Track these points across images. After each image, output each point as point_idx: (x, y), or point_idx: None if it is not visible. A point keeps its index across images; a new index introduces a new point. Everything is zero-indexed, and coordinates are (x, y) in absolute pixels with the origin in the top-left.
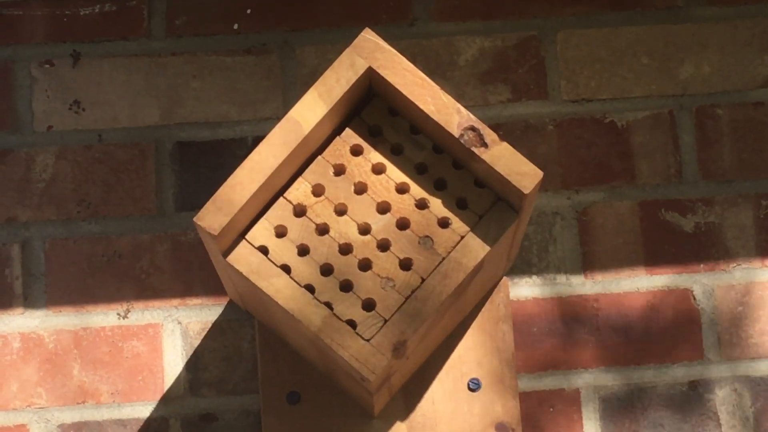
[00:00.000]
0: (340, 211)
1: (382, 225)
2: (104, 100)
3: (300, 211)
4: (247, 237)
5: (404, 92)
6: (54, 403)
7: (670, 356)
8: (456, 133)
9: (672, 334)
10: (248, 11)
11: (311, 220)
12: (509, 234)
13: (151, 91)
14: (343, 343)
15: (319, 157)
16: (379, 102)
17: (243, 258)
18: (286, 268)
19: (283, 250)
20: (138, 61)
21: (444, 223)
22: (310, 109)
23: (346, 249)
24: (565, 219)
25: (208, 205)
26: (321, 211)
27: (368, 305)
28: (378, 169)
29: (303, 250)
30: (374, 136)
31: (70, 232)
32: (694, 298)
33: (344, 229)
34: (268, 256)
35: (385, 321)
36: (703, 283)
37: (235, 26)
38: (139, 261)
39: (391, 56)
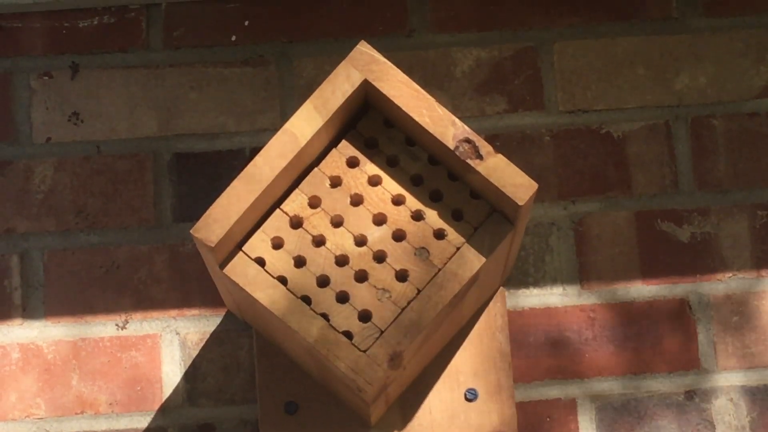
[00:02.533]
0: (337, 222)
1: (378, 236)
2: (103, 111)
3: (296, 223)
4: (243, 248)
5: (400, 104)
6: (53, 413)
7: (666, 366)
8: (451, 145)
9: (668, 343)
10: (246, 23)
11: (307, 231)
12: (505, 245)
13: (149, 102)
14: (339, 354)
15: (316, 169)
16: (375, 114)
17: (240, 269)
18: (282, 280)
19: (280, 262)
20: (136, 73)
21: (440, 235)
22: (307, 122)
23: (342, 260)
24: (561, 229)
25: (205, 216)
26: (317, 222)
27: (364, 316)
28: (374, 181)
29: (299, 262)
30: (370, 148)
31: (69, 243)
32: (690, 308)
33: (340, 240)
34: (265, 267)
35: (382, 332)
36: (699, 293)
37: (233, 38)
38: (137, 272)
39: (386, 68)
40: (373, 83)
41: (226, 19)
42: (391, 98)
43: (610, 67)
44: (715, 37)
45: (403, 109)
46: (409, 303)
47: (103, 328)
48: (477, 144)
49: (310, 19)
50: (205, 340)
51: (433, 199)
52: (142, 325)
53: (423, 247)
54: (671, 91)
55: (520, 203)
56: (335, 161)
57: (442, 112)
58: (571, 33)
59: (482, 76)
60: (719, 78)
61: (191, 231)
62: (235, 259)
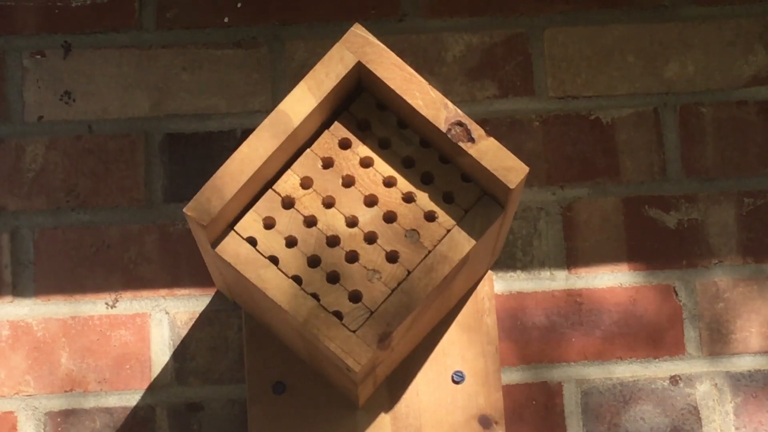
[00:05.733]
0: (328, 203)
1: (369, 218)
2: (95, 91)
3: (288, 203)
4: (235, 228)
5: (393, 87)
6: (42, 390)
7: (651, 351)
8: (443, 127)
9: (654, 329)
10: (239, 5)
11: (299, 212)
12: (495, 228)
13: (142, 82)
14: (329, 333)
15: (308, 150)
16: (368, 96)
17: (231, 249)
18: (274, 260)
19: (272, 242)
20: (128, 53)
21: (430, 217)
22: (300, 103)
23: (333, 241)
24: (549, 214)
25: (198, 195)
26: (309, 203)
27: (355, 297)
28: (366, 163)
29: (291, 242)
30: (362, 130)
31: (60, 222)
32: (676, 294)
33: (332, 221)
34: (257, 247)
35: (371, 313)
36: (685, 280)
37: (226, 19)
38: (127, 251)
39: (380, 51)
40: (367, 65)
41: (219, 0)
42: (384, 80)
43: (600, 54)
44: (704, 26)
45: (396, 91)
46: (399, 284)
47: (92, 306)
48: (469, 127)
49: (303, 2)
50: (194, 320)
51: (424, 181)
52: (131, 304)
53: (413, 229)
54: (660, 79)
55: (511, 186)
56: (327, 143)
57: (434, 95)
58: (561, 20)
59: (473, 62)
60: (708, 66)
61: (184, 209)
62: (227, 238)
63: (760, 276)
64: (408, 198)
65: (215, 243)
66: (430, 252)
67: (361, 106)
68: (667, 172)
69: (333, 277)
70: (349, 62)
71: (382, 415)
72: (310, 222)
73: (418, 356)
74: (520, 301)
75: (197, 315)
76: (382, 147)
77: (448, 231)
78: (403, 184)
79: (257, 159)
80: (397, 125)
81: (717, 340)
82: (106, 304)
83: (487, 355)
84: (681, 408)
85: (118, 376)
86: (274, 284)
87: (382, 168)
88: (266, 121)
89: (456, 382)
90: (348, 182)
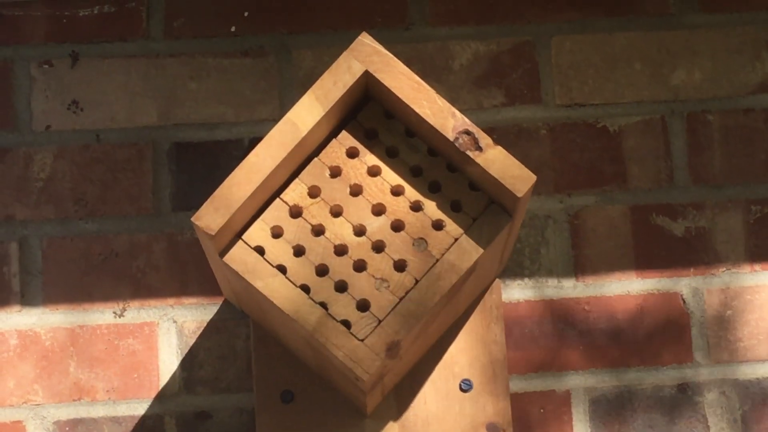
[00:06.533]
0: (336, 212)
1: (376, 226)
2: (102, 100)
3: (296, 212)
4: (243, 237)
5: (400, 96)
6: (50, 400)
7: (659, 359)
8: (451, 136)
9: (661, 336)
10: (246, 14)
11: (307, 221)
12: (502, 237)
13: (149, 91)
14: (337, 342)
15: (316, 159)
16: (375, 105)
17: (239, 258)
18: (281, 269)
19: (279, 251)
20: (136, 62)
21: (438, 226)
22: (308, 112)
23: (341, 250)
24: (557, 222)
25: (206, 205)
26: (317, 212)
27: (363, 306)
28: (373, 172)
29: (299, 251)
30: (370, 139)
31: (68, 231)
32: (684, 302)
33: (339, 230)
34: (264, 256)
35: (379, 321)
36: (693, 287)
37: (233, 29)
38: (135, 260)
39: (387, 60)
40: (374, 74)
41: (226, 9)
42: (392, 89)
43: (607, 62)
44: (711, 33)
45: (404, 100)
46: (407, 293)
47: (100, 315)
48: (476, 136)
49: (310, 11)
50: (202, 329)
51: (431, 190)
52: (139, 313)
53: (421, 238)
54: (667, 87)
55: (519, 195)
56: (335, 151)
57: (442, 103)
58: (568, 28)
59: (480, 70)
60: (715, 74)
61: (192, 219)
62: (235, 247)
63: None
64: (416, 207)
65: (223, 252)
66: (437, 261)
67: (369, 114)
68: (675, 179)
69: (341, 286)
70: (357, 71)
71: (391, 423)
72: (318, 231)
73: (426, 364)
74: (528, 309)
75: (205, 324)
76: (390, 156)
77: (456, 239)
78: (411, 193)
79: (265, 168)
80: (404, 134)
81: (725, 348)
82: (114, 313)
83: (495, 363)
84: (689, 416)
85: (126, 385)
86: (282, 293)
87: (390, 177)
88: (274, 130)
89: (464, 391)
90: (356, 191)
